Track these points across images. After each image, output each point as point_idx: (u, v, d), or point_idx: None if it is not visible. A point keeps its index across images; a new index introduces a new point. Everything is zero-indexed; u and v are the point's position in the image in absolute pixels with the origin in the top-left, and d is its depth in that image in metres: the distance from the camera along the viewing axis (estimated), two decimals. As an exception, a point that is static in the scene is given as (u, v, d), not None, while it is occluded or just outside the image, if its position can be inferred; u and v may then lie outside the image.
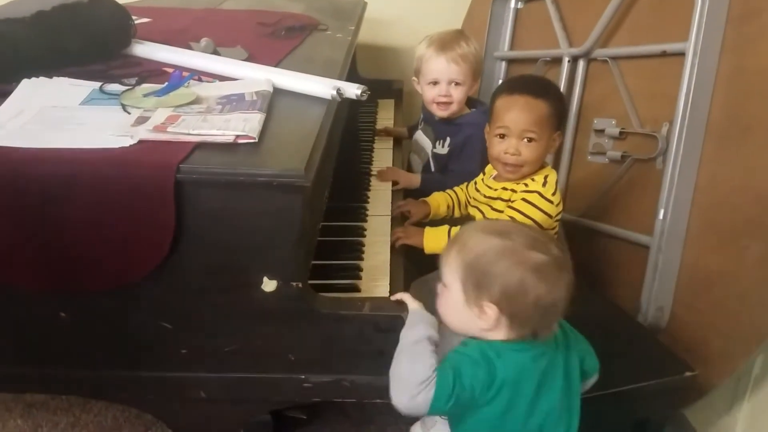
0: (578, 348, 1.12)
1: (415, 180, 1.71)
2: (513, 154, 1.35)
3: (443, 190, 1.64)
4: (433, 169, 1.82)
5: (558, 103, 1.37)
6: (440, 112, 1.74)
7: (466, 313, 1.01)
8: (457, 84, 1.70)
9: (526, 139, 1.34)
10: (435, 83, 1.71)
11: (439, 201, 1.58)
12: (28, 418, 1.81)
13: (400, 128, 2.09)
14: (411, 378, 0.94)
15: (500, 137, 1.37)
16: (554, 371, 1.05)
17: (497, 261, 0.98)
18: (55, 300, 1.02)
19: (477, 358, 0.98)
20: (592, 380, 1.19)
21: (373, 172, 1.74)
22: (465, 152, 1.73)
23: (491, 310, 0.98)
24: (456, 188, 1.62)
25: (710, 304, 1.52)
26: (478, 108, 1.78)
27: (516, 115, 1.35)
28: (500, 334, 1.01)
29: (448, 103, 1.72)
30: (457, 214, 1.61)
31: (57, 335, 1.06)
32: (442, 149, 1.77)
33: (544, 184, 1.35)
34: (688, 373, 1.40)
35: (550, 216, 1.34)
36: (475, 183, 1.53)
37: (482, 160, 1.65)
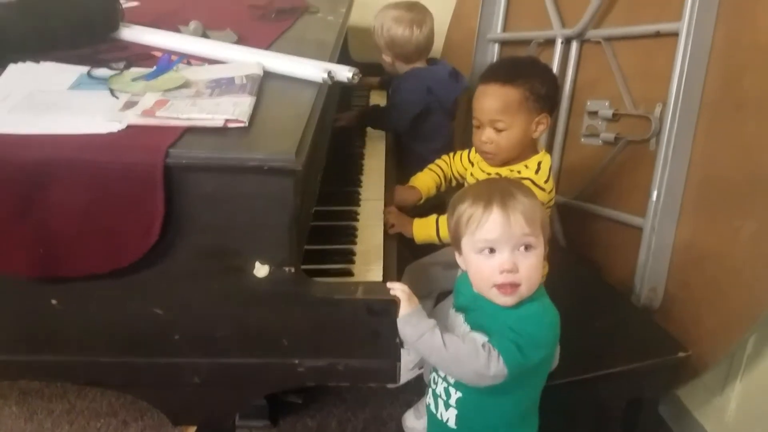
0: None
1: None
2: (486, 143, 1.36)
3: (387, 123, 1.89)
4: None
5: (534, 85, 1.33)
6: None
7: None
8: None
9: (495, 129, 1.34)
10: None
11: (427, 184, 1.58)
12: (24, 405, 1.82)
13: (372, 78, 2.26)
14: (477, 370, 1.00)
15: (476, 127, 1.38)
16: None
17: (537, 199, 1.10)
18: (46, 287, 1.01)
19: (547, 319, 1.06)
20: None
21: (365, 156, 1.74)
22: (394, 94, 1.94)
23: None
24: (438, 161, 1.62)
25: (703, 282, 1.53)
26: (435, 65, 1.97)
27: (483, 105, 1.35)
28: None
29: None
30: (444, 188, 1.62)
31: (49, 323, 1.05)
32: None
33: (537, 171, 1.34)
34: (681, 354, 1.41)
35: (541, 203, 1.34)
36: (471, 165, 1.52)
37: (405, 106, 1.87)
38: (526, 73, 1.35)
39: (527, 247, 1.03)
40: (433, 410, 1.17)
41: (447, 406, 1.13)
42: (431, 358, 1.04)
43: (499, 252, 1.03)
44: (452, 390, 1.11)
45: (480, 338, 1.04)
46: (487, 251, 1.04)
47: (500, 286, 1.03)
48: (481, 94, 1.36)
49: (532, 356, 1.01)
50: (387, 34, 1.91)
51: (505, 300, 1.04)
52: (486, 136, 1.35)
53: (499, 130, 1.33)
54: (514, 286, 1.03)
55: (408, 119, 1.87)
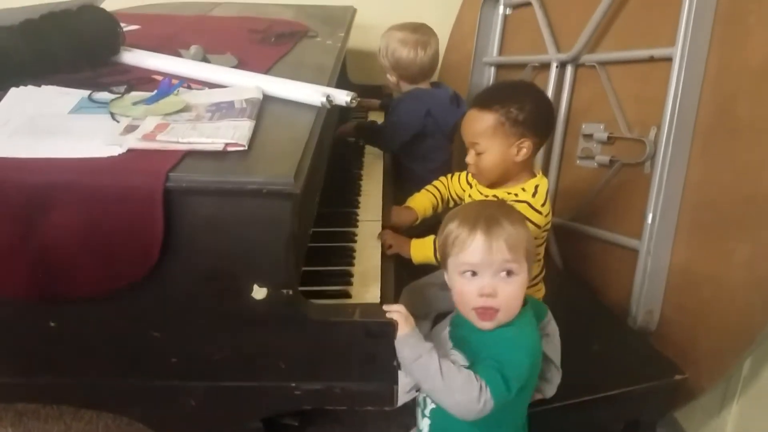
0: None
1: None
2: (469, 164, 1.42)
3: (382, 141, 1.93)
4: None
5: (511, 110, 1.35)
6: None
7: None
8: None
9: (475, 151, 1.39)
10: None
11: (424, 204, 1.59)
12: (19, 426, 1.80)
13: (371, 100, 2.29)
14: (470, 403, 0.99)
15: (466, 148, 1.43)
16: None
17: (524, 225, 1.10)
18: (45, 310, 1.02)
19: (522, 343, 1.06)
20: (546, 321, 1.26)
21: (363, 177, 1.75)
22: (392, 112, 1.97)
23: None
24: (435, 183, 1.63)
25: (699, 305, 1.53)
26: (437, 89, 1.98)
27: (464, 128, 1.42)
28: None
29: None
30: (441, 209, 1.63)
31: (47, 345, 1.05)
32: None
33: (534, 194, 1.36)
34: (678, 376, 1.42)
35: (538, 226, 1.35)
36: (470, 186, 1.54)
37: (402, 127, 1.90)
38: (504, 98, 1.37)
39: (509, 273, 1.05)
40: (417, 418, 1.20)
41: (423, 415, 1.16)
42: (425, 383, 1.04)
43: (480, 276, 1.05)
44: (428, 400, 1.13)
45: (460, 359, 1.06)
46: (469, 274, 1.06)
47: (479, 311, 1.06)
48: (465, 117, 1.42)
49: (514, 386, 1.01)
50: (392, 55, 1.94)
51: (483, 324, 1.06)
52: (469, 157, 1.41)
53: (478, 153, 1.38)
54: (493, 311, 1.05)
55: (401, 141, 1.89)
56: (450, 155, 2.04)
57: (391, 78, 2.01)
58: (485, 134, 1.36)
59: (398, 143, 1.90)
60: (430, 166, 1.90)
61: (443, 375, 1.00)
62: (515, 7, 2.26)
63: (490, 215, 1.07)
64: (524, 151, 1.37)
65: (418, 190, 1.65)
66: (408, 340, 1.03)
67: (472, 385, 0.99)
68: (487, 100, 1.39)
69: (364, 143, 2.00)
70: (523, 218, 1.13)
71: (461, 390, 1.00)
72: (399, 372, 1.08)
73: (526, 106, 1.36)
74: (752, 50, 1.45)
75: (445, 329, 1.17)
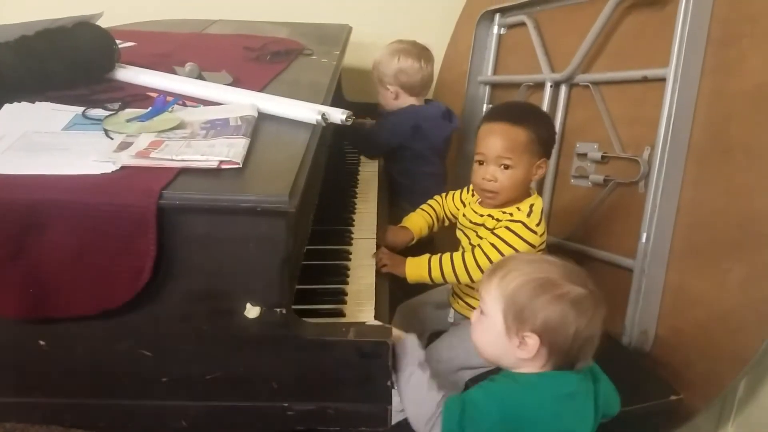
0: (604, 391, 1.13)
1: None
2: (490, 180, 1.37)
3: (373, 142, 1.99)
4: None
5: (540, 130, 1.37)
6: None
7: (504, 342, 1.03)
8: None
9: (502, 166, 1.36)
10: None
11: (419, 224, 1.59)
12: (6, 447, 1.78)
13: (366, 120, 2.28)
14: (418, 418, 1.01)
15: (479, 164, 1.39)
16: (585, 411, 1.06)
17: (538, 294, 1.00)
18: (34, 328, 1.00)
19: (498, 391, 1.02)
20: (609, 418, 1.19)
21: (358, 195, 1.75)
22: (380, 122, 2.06)
23: (532, 341, 1.00)
24: (431, 202, 1.63)
25: (693, 326, 1.53)
26: (429, 105, 2.04)
27: (492, 142, 1.37)
28: (537, 365, 1.03)
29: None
30: (436, 228, 1.63)
31: (36, 364, 1.04)
32: None
33: (529, 214, 1.36)
34: (672, 397, 1.41)
35: (533, 246, 1.35)
36: (463, 205, 1.53)
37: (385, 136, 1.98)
38: (532, 117, 1.40)
39: (481, 311, 1.07)
40: None
41: None
42: (399, 382, 1.04)
43: None
44: None
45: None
46: None
47: None
48: (489, 132, 1.38)
49: (469, 428, 0.99)
50: (396, 64, 1.99)
51: None
52: (491, 174, 1.37)
53: (506, 167, 1.35)
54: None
55: (380, 150, 1.99)
56: (443, 170, 2.05)
57: (391, 88, 2.01)
58: (517, 149, 1.35)
59: (378, 151, 2.00)
60: (420, 181, 1.94)
61: (408, 383, 1.02)
62: (510, 27, 2.29)
63: (511, 266, 1.07)
64: (541, 171, 1.39)
65: (409, 203, 1.66)
66: (415, 340, 1.06)
67: (429, 405, 1.00)
68: (520, 116, 1.38)
69: (349, 143, 2.07)
70: (536, 293, 1.02)
71: (417, 404, 1.01)
72: (392, 391, 1.07)
73: (548, 127, 1.40)
74: (746, 73, 1.46)
75: None
